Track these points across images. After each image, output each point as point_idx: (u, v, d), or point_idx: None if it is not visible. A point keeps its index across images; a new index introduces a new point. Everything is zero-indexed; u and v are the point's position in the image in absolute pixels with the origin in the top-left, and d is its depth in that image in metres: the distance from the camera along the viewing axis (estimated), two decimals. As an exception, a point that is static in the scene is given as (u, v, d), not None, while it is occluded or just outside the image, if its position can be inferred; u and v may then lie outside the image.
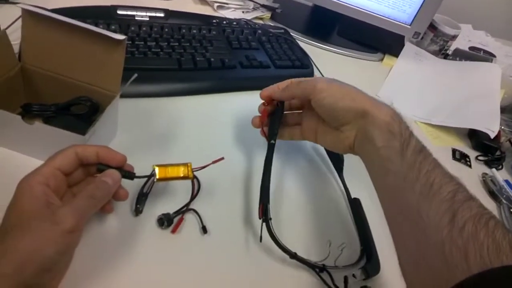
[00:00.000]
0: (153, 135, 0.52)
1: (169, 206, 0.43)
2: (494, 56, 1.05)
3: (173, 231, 0.41)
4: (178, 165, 0.41)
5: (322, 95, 0.43)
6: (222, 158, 0.42)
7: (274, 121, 0.48)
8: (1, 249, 0.28)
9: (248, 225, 0.44)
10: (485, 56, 0.99)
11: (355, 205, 0.50)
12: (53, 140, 0.42)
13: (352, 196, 0.51)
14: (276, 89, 0.49)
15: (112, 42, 0.42)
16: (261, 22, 0.87)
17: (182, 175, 0.41)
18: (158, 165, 0.40)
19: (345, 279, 0.40)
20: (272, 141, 0.47)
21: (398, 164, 0.37)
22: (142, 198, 0.42)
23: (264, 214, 0.41)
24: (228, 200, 0.46)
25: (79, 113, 0.47)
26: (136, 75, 0.44)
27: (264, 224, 0.40)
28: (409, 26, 0.80)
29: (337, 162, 0.55)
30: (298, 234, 0.45)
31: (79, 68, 0.46)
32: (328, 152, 0.56)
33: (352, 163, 0.55)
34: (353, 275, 0.41)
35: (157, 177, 0.40)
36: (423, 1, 0.77)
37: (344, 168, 0.54)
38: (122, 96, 0.54)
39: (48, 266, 0.30)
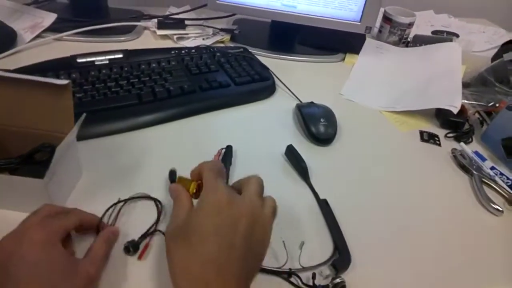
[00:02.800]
0: (120, 170, 0.54)
1: (136, 230, 0.44)
2: (457, 35, 1.07)
3: (140, 258, 0.42)
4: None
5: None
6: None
7: (225, 162, 0.55)
8: None
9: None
10: (445, 37, 1.01)
11: (324, 206, 0.51)
12: (16, 188, 0.45)
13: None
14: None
15: (58, 88, 0.45)
16: (222, 45, 0.90)
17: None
18: None
19: (313, 275, 0.41)
20: None
21: None
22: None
23: None
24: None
25: (42, 160, 0.49)
26: (84, 115, 0.46)
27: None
28: (359, 23, 0.83)
29: (301, 170, 0.56)
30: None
31: (34, 117, 0.48)
32: (291, 162, 0.57)
33: (317, 169, 0.56)
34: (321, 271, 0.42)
35: None
36: (366, -2, 0.80)
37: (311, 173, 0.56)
38: (87, 137, 0.57)
39: None
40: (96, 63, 0.70)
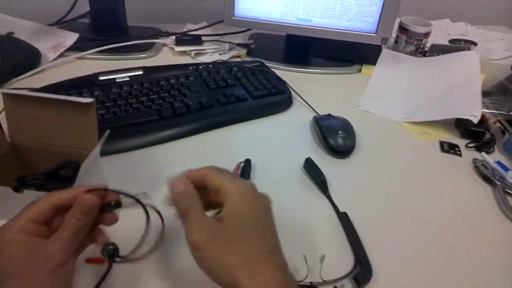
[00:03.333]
0: (143, 184, 0.55)
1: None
2: (475, 43, 1.06)
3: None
4: None
5: (193, 254, 0.33)
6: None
7: (243, 176, 0.56)
8: None
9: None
10: (463, 45, 1.00)
11: (344, 219, 0.51)
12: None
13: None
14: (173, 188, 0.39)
15: (82, 106, 0.47)
16: (238, 59, 0.92)
17: None
18: None
19: (334, 289, 0.41)
20: None
21: None
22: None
23: None
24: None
25: (67, 176, 0.51)
26: (108, 131, 0.47)
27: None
28: (375, 34, 0.83)
29: (320, 183, 0.56)
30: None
31: (59, 135, 0.50)
32: (310, 174, 0.58)
33: (336, 181, 0.56)
34: (342, 285, 0.41)
35: None
36: (382, 9, 0.80)
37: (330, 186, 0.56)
38: (110, 153, 0.59)
39: None
40: (117, 80, 0.72)
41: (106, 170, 0.53)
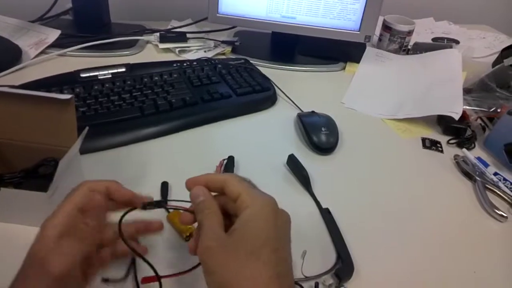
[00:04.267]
0: (124, 182, 0.54)
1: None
2: (458, 42, 1.07)
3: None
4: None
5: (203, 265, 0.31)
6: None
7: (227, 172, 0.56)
8: None
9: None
10: (445, 43, 1.01)
11: (326, 215, 0.51)
12: (20, 202, 0.45)
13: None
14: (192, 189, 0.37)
15: (61, 102, 0.46)
16: (223, 56, 0.91)
17: (185, 233, 0.46)
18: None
19: (316, 285, 0.41)
20: None
21: None
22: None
23: None
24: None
25: (46, 174, 0.50)
26: (87, 128, 0.47)
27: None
28: (358, 32, 0.84)
29: (303, 179, 0.56)
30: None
31: (38, 132, 0.49)
32: (293, 171, 0.58)
33: (319, 178, 0.57)
34: (323, 281, 0.42)
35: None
36: (365, 7, 0.80)
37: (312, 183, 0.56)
38: (90, 151, 0.58)
39: None
40: (100, 77, 0.71)
41: (86, 169, 0.52)
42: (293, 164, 0.57)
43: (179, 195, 0.51)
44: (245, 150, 0.60)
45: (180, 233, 0.46)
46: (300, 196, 0.54)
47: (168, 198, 0.51)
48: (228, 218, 0.35)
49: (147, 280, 0.39)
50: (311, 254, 0.45)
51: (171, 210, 0.49)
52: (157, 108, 0.65)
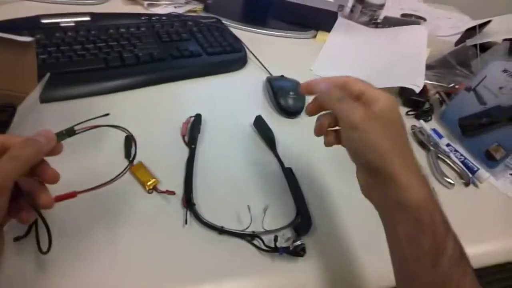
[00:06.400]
0: (85, 134, 0.53)
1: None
2: (425, 19, 1.10)
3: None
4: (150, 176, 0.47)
5: (348, 134, 0.36)
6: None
7: (193, 129, 0.55)
8: None
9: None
10: (413, 20, 1.04)
11: (289, 174, 0.53)
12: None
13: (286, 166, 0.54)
14: (320, 85, 0.39)
15: (21, 45, 0.43)
16: (194, 14, 0.89)
17: (147, 183, 0.46)
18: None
19: (275, 238, 0.43)
20: (193, 146, 0.53)
21: (429, 274, 0.31)
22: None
23: (187, 202, 0.45)
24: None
25: (2, 121, 0.48)
26: (48, 74, 0.45)
27: (188, 210, 0.45)
28: (332, 1, 0.84)
29: (269, 140, 0.57)
30: (231, 210, 0.47)
31: (-6, 76, 0.46)
32: (259, 132, 0.59)
33: (284, 140, 0.58)
34: (283, 234, 0.44)
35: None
36: (340, -25, 0.80)
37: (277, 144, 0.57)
38: (50, 100, 0.56)
39: None
40: (62, 24, 0.68)
41: (46, 118, 0.50)
42: (260, 125, 0.58)
43: (143, 150, 0.51)
44: (212, 109, 0.60)
45: (143, 185, 0.46)
46: (265, 156, 0.55)
47: (132, 153, 0.51)
48: None
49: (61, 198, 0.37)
50: (272, 210, 0.46)
51: (135, 163, 0.49)
52: (123, 61, 0.63)
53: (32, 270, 0.37)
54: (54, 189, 0.34)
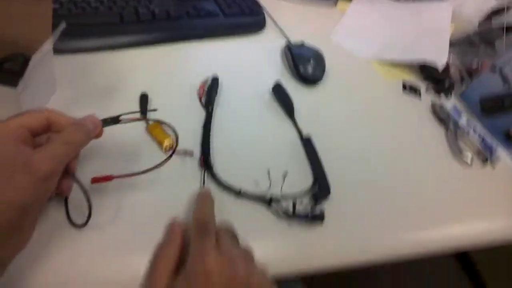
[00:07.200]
0: (97, 89, 0.51)
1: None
2: (449, -5, 1.06)
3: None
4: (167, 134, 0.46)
5: None
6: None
7: (210, 91, 0.53)
8: None
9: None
10: (438, -6, 0.99)
11: (307, 143, 0.51)
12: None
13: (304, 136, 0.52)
14: None
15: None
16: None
17: (164, 143, 0.45)
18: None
19: (293, 204, 0.42)
20: (210, 108, 0.51)
21: None
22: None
23: (205, 163, 0.44)
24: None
25: (14, 71, 0.46)
26: (64, 24, 0.42)
27: (205, 172, 0.44)
28: (356, -34, 0.80)
29: (288, 107, 0.55)
30: (248, 174, 0.45)
31: (7, 24, 0.44)
32: (278, 98, 0.57)
33: (302, 108, 0.56)
34: (301, 200, 0.43)
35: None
36: None
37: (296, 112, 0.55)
38: (62, 52, 0.54)
39: (26, 209, 0.30)
40: (75, -26, 0.64)
41: (57, 70, 0.49)
42: (279, 92, 0.56)
43: (158, 108, 0.50)
44: (229, 72, 0.58)
45: (160, 144, 0.45)
46: (283, 123, 0.54)
47: (148, 110, 0.49)
48: None
49: (97, 180, 0.38)
50: (289, 177, 0.45)
51: (150, 122, 0.47)
52: (138, 17, 0.60)
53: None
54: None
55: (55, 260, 0.34)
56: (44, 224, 0.36)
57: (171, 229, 0.36)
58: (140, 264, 0.34)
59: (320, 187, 0.44)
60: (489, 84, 0.65)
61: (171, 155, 0.40)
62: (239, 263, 0.31)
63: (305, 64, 0.61)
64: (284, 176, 0.44)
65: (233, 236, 0.36)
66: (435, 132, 0.61)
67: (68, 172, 0.36)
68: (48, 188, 0.32)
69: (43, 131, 0.34)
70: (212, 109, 0.51)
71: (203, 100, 0.52)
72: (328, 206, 0.44)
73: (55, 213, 0.37)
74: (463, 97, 0.69)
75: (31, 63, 0.41)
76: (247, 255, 0.34)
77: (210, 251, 0.31)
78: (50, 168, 0.30)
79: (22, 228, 0.31)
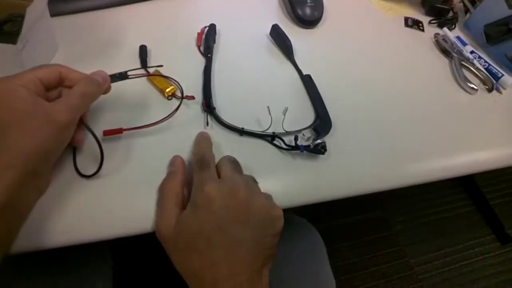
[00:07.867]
0: (99, 46, 0.52)
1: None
2: None
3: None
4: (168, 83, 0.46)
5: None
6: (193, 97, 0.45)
7: (208, 39, 0.53)
8: (3, 145, 0.30)
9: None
10: None
11: (308, 79, 0.52)
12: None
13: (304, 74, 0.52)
14: None
15: None
16: None
17: (166, 90, 0.46)
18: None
19: (295, 137, 0.43)
20: (209, 55, 0.51)
21: None
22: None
23: (207, 106, 0.45)
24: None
25: (13, 31, 0.47)
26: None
27: (208, 114, 0.45)
28: None
29: (286, 48, 0.55)
30: (250, 114, 0.46)
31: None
32: (276, 40, 0.56)
33: (301, 49, 0.56)
34: (303, 134, 0.44)
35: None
36: None
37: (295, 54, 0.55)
38: (61, 13, 0.54)
39: (48, 156, 0.33)
40: None
41: (58, 32, 0.49)
42: (277, 34, 0.56)
43: (158, 59, 0.50)
44: (226, 19, 0.58)
45: (162, 92, 0.46)
46: (282, 64, 0.54)
47: (148, 62, 0.50)
48: None
49: (109, 132, 0.40)
50: (291, 114, 0.45)
51: (151, 71, 0.48)
52: (130, -28, 0.59)
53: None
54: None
55: (70, 203, 0.37)
56: (60, 173, 0.38)
57: (172, 161, 0.39)
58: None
59: (322, 121, 0.45)
60: (493, 10, 0.63)
61: (179, 105, 0.42)
62: (239, 188, 0.33)
63: (302, 5, 0.60)
64: (284, 112, 0.44)
65: (235, 165, 0.38)
66: (440, 64, 0.60)
67: (81, 124, 0.38)
68: (66, 137, 0.35)
69: (55, 85, 0.37)
70: (211, 56, 0.51)
71: (202, 48, 0.53)
72: (330, 141, 0.44)
73: (67, 163, 0.39)
74: (466, 27, 0.67)
75: (27, 17, 0.42)
76: (249, 181, 0.35)
77: (210, 180, 0.33)
78: (68, 118, 0.33)
79: (43, 174, 0.34)
